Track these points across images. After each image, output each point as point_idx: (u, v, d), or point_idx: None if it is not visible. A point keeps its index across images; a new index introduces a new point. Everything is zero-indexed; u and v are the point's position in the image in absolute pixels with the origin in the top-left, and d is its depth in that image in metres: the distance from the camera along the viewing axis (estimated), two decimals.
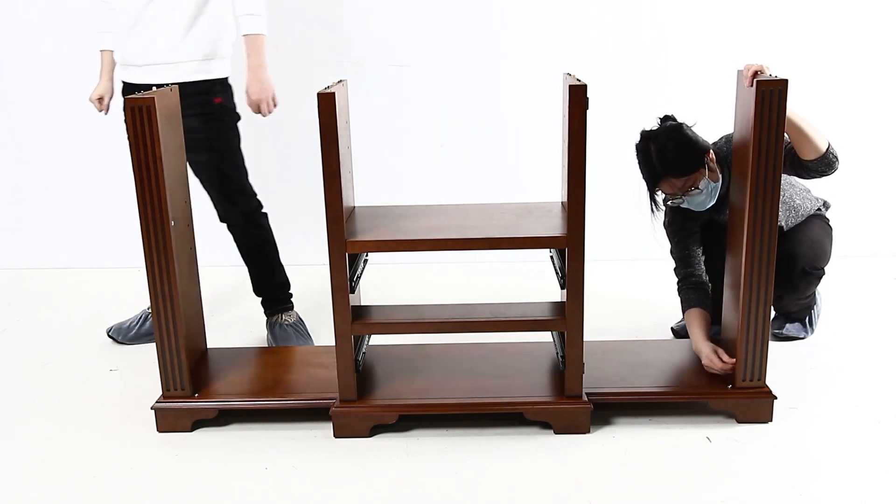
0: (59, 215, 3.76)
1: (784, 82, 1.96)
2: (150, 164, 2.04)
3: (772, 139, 1.99)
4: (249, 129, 3.62)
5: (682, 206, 2.37)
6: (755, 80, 1.97)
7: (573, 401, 2.15)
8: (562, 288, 2.20)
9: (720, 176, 2.35)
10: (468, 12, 3.48)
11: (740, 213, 2.12)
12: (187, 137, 2.37)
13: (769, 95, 1.97)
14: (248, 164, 3.70)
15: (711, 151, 2.32)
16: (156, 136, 2.02)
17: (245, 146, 3.80)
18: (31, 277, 3.65)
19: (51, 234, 3.77)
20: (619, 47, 3.49)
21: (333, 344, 2.15)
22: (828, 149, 2.22)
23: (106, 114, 2.77)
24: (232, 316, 3.12)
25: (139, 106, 2.00)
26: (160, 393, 2.25)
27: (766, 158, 2.01)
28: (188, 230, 2.26)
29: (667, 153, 2.26)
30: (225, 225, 2.76)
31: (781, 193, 2.50)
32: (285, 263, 3.69)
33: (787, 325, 2.72)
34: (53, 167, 3.71)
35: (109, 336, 2.85)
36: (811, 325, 2.74)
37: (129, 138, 2.02)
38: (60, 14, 3.51)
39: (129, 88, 2.58)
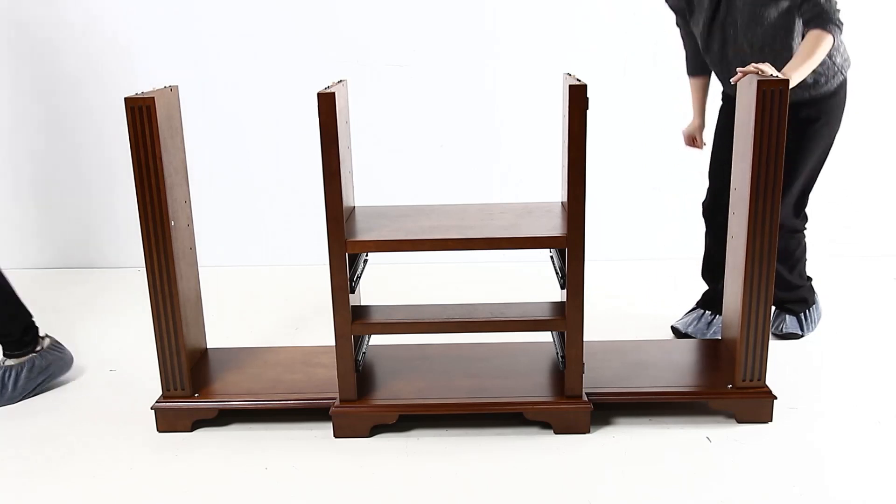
0: (60, 215, 3.76)
1: (785, 82, 1.96)
2: (150, 163, 2.04)
3: (772, 139, 1.99)
4: (251, 128, 3.63)
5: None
6: (756, 79, 1.97)
7: (573, 401, 2.15)
8: (562, 288, 2.20)
9: None
10: (468, 12, 3.48)
11: (741, 214, 2.12)
12: None
13: (769, 95, 1.97)
14: (248, 162, 3.72)
15: None
16: (156, 136, 2.02)
17: (246, 145, 3.81)
18: (31, 277, 3.64)
19: (51, 234, 3.77)
20: (619, 47, 3.49)
21: (333, 344, 2.15)
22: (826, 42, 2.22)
23: None
24: (232, 316, 3.12)
25: (139, 106, 2.00)
26: (160, 393, 2.25)
27: (767, 159, 2.01)
28: (188, 230, 2.26)
29: None
30: None
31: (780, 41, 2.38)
32: (287, 263, 3.72)
33: (787, 319, 2.72)
34: (53, 167, 3.71)
35: None
36: (808, 322, 2.74)
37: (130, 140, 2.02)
38: (56, 8, 3.51)
39: None
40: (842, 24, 2.24)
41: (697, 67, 2.67)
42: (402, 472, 2.02)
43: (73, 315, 3.17)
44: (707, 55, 2.50)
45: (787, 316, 2.73)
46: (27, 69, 3.57)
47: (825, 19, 2.22)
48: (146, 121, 2.01)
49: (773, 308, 2.75)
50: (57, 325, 3.06)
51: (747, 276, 2.09)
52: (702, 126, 2.74)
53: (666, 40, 3.45)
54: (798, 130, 2.44)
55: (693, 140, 2.78)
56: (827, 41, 2.20)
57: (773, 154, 2.01)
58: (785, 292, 2.71)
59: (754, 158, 2.01)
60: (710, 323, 2.72)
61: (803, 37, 2.27)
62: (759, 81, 1.96)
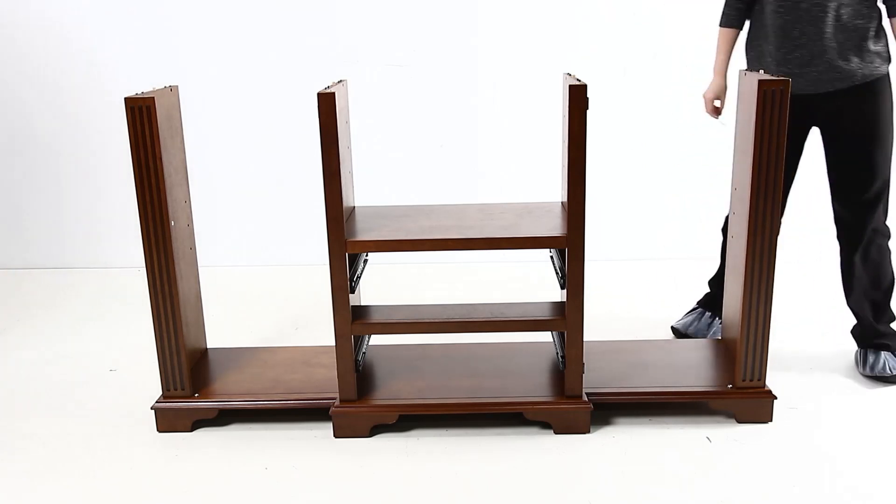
0: (60, 215, 3.76)
1: (786, 83, 1.96)
2: (150, 163, 2.04)
3: (772, 139, 1.99)
4: (251, 128, 3.63)
5: None
6: (757, 78, 1.97)
7: (573, 401, 2.15)
8: (562, 288, 2.20)
9: None
10: (467, 12, 3.48)
11: (741, 214, 2.12)
12: None
13: (770, 95, 1.97)
14: (249, 162, 3.71)
15: None
16: (155, 136, 2.02)
17: (246, 145, 3.82)
18: (31, 277, 3.65)
19: (51, 233, 3.77)
20: (619, 47, 3.49)
21: (333, 344, 2.15)
22: None
23: None
24: (232, 316, 3.12)
25: (139, 106, 2.00)
26: (160, 393, 2.25)
27: (767, 159, 2.00)
28: (188, 230, 2.26)
29: None
30: None
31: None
32: (287, 263, 3.72)
33: (887, 358, 2.41)
34: (53, 167, 3.71)
35: None
36: None
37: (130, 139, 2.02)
38: (72, 9, 3.51)
39: None
40: None
41: (736, 18, 2.43)
42: (402, 472, 2.01)
43: (73, 315, 3.17)
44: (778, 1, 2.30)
45: (885, 354, 2.43)
46: (27, 68, 3.58)
47: None
48: (146, 121, 2.01)
49: (860, 349, 2.49)
50: (57, 324, 3.07)
51: (747, 276, 2.09)
52: (724, 87, 2.49)
53: (666, 40, 3.45)
54: (871, 128, 2.29)
55: (715, 106, 2.52)
56: None
57: (773, 154, 2.00)
58: (883, 325, 2.45)
59: (754, 158, 2.01)
60: (710, 324, 2.71)
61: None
62: (759, 81, 1.96)
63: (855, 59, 2.24)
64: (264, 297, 3.33)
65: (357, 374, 2.19)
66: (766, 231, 2.06)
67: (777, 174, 2.01)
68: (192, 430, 2.23)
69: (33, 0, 3.50)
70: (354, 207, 2.37)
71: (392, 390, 2.23)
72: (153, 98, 2.01)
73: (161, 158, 2.04)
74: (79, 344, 2.87)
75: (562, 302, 2.22)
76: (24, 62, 3.57)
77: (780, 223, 2.06)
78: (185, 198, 2.24)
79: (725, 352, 2.36)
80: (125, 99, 2.01)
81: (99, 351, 2.80)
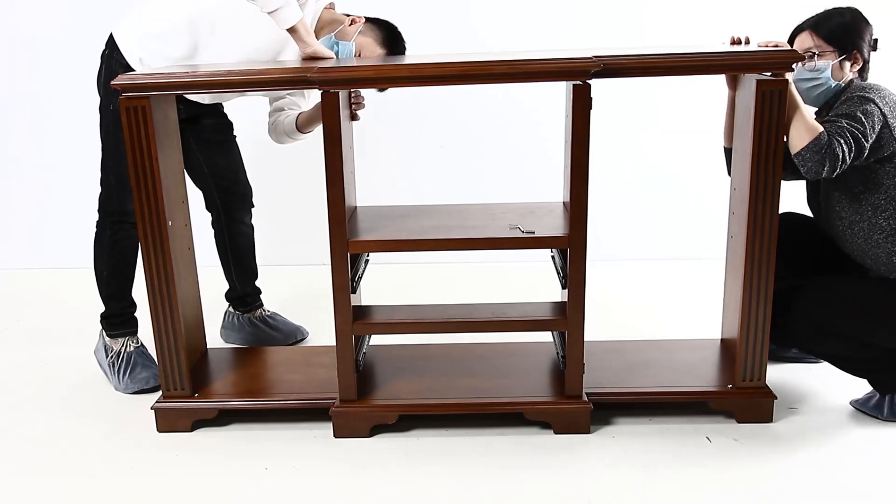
0: (60, 214, 3.76)
1: (784, 83, 1.96)
2: (147, 164, 2.03)
3: (772, 139, 1.99)
4: (251, 127, 3.62)
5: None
6: (756, 79, 1.97)
7: (573, 401, 2.15)
8: (563, 288, 2.20)
9: (840, 84, 2.15)
10: (468, 11, 3.48)
11: (741, 214, 2.12)
12: None
13: (769, 95, 1.97)
14: (249, 162, 3.69)
15: (861, 58, 2.13)
16: (151, 136, 2.01)
17: (246, 144, 3.81)
18: (31, 277, 3.64)
19: (51, 233, 3.76)
20: (622, 45, 3.48)
21: (333, 344, 2.15)
22: (819, 137, 1.98)
23: None
24: None
25: (134, 106, 2.00)
26: (160, 393, 2.25)
27: (767, 159, 2.00)
28: (186, 230, 2.25)
29: (828, 12, 2.17)
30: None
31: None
32: (287, 263, 3.71)
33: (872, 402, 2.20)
34: (52, 166, 3.71)
35: None
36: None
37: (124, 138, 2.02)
38: (51, 11, 3.50)
39: None
40: (842, 156, 1.99)
41: None
42: (402, 472, 2.01)
43: (73, 315, 3.17)
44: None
45: None
46: (26, 67, 3.57)
47: (837, 130, 2.00)
48: (141, 121, 2.01)
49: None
50: (57, 324, 3.06)
51: (747, 275, 2.09)
52: None
53: (668, 38, 3.45)
54: None
55: None
56: (820, 135, 1.99)
57: (772, 154, 2.00)
58: None
59: (753, 158, 2.01)
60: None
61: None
62: (758, 81, 1.96)
63: None
64: (265, 297, 3.32)
65: (357, 374, 2.19)
66: (766, 231, 2.06)
67: (776, 174, 2.01)
68: (192, 430, 2.23)
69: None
70: (356, 207, 2.37)
71: (392, 390, 2.23)
72: (149, 98, 2.00)
73: (157, 159, 2.03)
74: (79, 344, 2.86)
75: (563, 302, 2.22)
76: (12, 59, 3.56)
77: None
78: (182, 198, 2.23)
79: (725, 352, 2.36)
80: (120, 99, 2.00)
81: None
